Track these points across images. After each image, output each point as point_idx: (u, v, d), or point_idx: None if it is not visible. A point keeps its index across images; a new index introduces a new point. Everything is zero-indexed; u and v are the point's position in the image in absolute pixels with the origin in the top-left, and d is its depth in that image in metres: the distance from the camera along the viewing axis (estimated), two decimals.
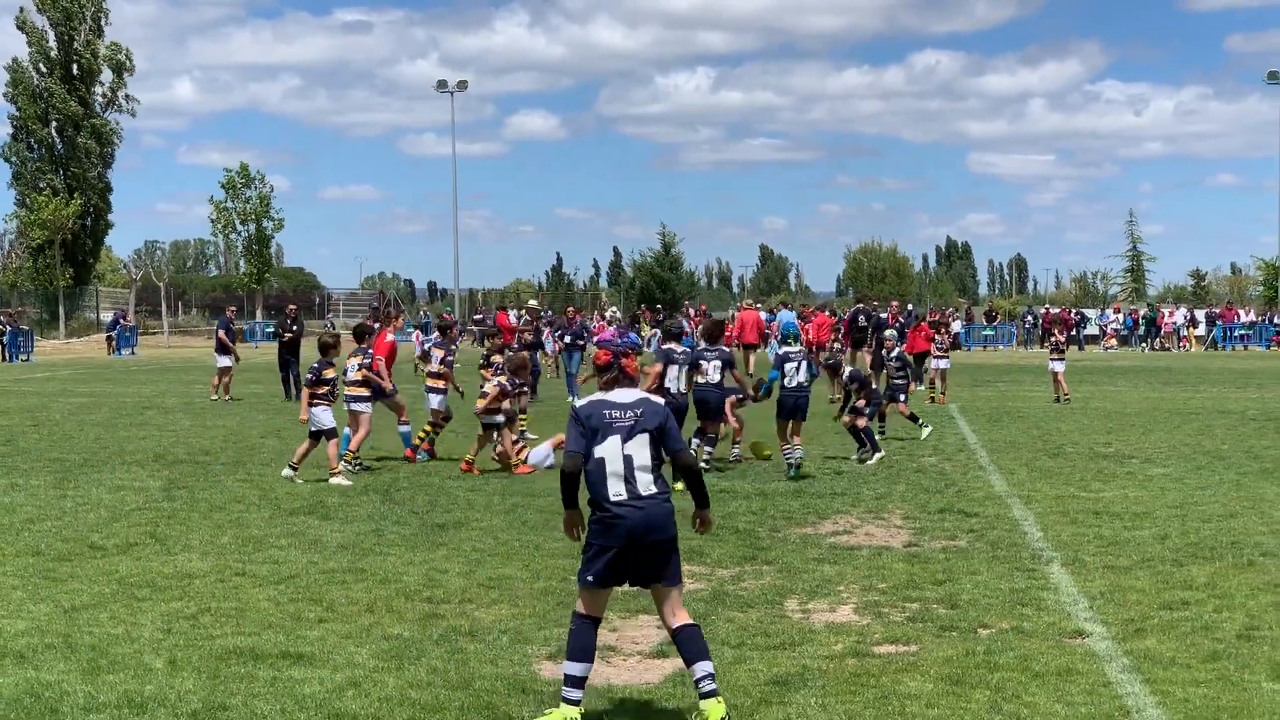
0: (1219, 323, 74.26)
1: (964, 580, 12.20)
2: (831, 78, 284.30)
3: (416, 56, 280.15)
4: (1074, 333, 70.29)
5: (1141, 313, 75.59)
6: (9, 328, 61.20)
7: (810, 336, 36.90)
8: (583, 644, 8.28)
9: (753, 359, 42.13)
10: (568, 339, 34.08)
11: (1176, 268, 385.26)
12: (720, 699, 8.12)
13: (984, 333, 75.40)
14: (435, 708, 8.46)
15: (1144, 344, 71.63)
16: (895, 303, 53.92)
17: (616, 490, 8.23)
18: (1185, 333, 72.66)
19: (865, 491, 17.74)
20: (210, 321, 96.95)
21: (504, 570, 12.69)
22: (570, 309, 45.20)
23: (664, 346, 19.45)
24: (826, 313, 46.85)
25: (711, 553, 13.54)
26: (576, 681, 8.23)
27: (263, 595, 11.61)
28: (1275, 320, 74.11)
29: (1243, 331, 73.43)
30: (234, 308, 41.96)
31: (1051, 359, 34.30)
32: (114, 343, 66.87)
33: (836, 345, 37.81)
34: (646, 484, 8.30)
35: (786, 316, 47.43)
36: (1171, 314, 75.24)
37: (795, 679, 9.10)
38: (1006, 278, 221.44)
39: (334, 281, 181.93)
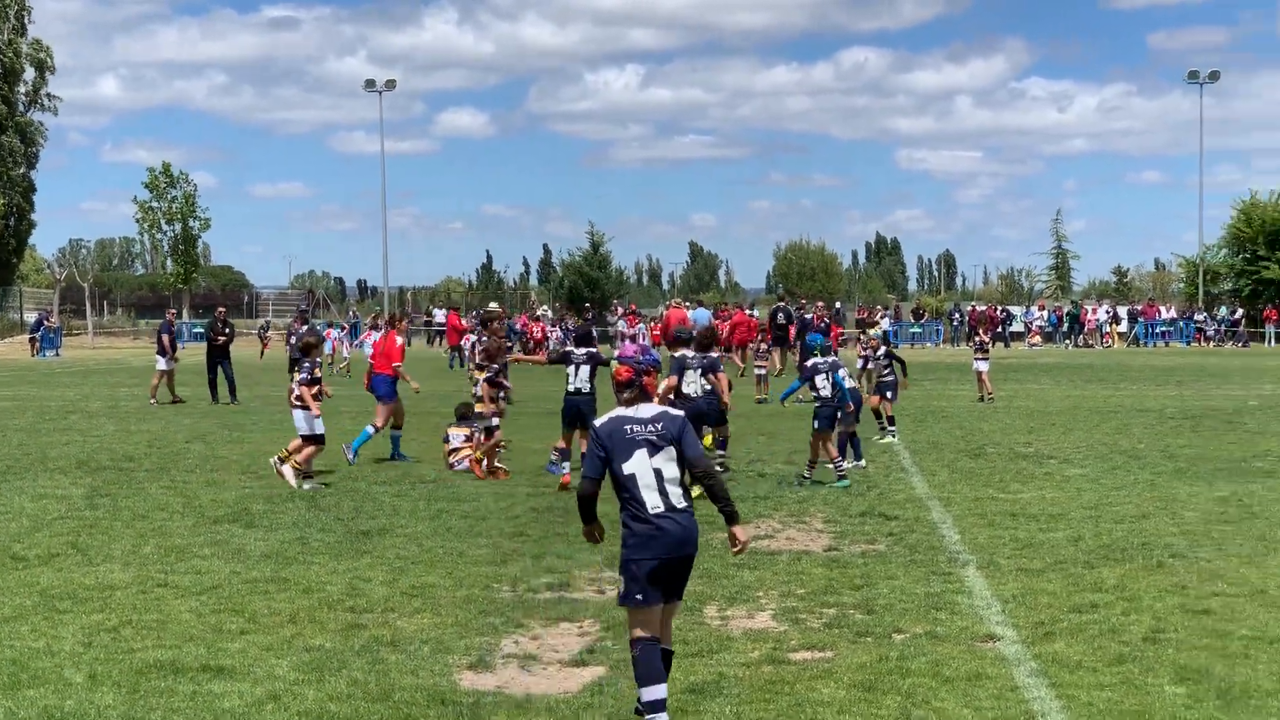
0: (1141, 319, 75.15)
1: (881, 585, 12.39)
2: (760, 75, 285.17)
3: (345, 53, 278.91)
4: (999, 330, 70.94)
5: (1065, 309, 76.33)
6: None
7: (724, 336, 37.14)
8: (652, 664, 8.19)
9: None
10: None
11: (1101, 264, 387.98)
12: None
13: (912, 330, 75.88)
14: None
15: (1068, 341, 72.34)
16: (820, 302, 54.40)
17: (654, 503, 8.24)
18: (1108, 329, 73.46)
19: (788, 495, 17.92)
20: (136, 322, 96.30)
21: (427, 578, 12.77)
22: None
23: (676, 354, 19.37)
24: (746, 311, 47.15)
25: None
26: (658, 704, 8.15)
27: (184, 607, 11.64)
28: (1196, 317, 75.03)
29: (1164, 328, 74.35)
30: (174, 310, 41.52)
31: (976, 358, 34.66)
32: (38, 344, 66.25)
33: (764, 346, 38.11)
34: (678, 497, 8.33)
35: (703, 315, 47.92)
36: (1095, 311, 76.05)
37: (711, 687, 9.24)
38: (935, 274, 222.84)
39: (263, 280, 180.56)
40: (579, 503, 8.53)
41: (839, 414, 19.31)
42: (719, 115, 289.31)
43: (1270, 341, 71.82)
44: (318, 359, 19.73)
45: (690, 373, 19.00)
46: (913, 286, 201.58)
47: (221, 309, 37.50)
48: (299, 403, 19.23)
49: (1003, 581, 12.48)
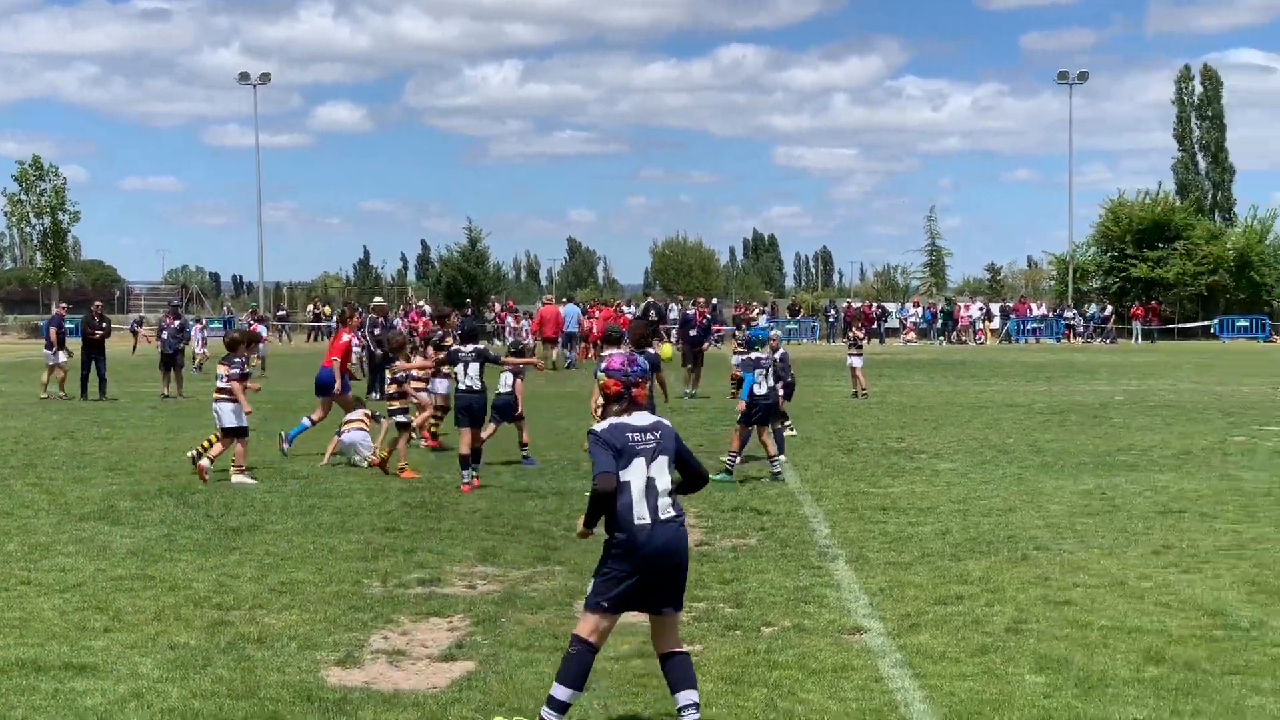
0: (1013, 316, 76.30)
1: (751, 579, 12.48)
2: (638, 71, 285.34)
3: (218, 45, 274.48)
4: (874, 326, 71.63)
5: (939, 306, 77.29)
6: None
7: (596, 333, 37.33)
8: (579, 669, 8.09)
9: (555, 353, 42.55)
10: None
11: (974, 261, 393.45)
12: None
13: (788, 327, 76.37)
14: (218, 718, 8.48)
15: (941, 338, 73.23)
16: (701, 299, 54.64)
17: (640, 514, 8.07)
18: (981, 326, 74.48)
19: None
20: (4, 317, 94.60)
21: (296, 574, 12.68)
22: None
23: (606, 354, 19.45)
24: (614, 309, 47.53)
25: (505, 553, 13.69)
26: (561, 706, 8.03)
27: (47, 605, 11.47)
28: (1066, 314, 76.26)
29: (1035, 325, 75.55)
30: (65, 305, 40.67)
31: (850, 354, 35.00)
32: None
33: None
34: (666, 507, 8.17)
35: (573, 311, 48.23)
36: (967, 308, 77.10)
37: None
38: (812, 271, 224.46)
39: (135, 275, 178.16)
40: (596, 501, 8.10)
41: (770, 411, 19.35)
42: (597, 111, 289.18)
43: (1137, 338, 73.18)
44: (247, 354, 19.54)
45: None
46: (790, 283, 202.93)
47: (98, 304, 36.99)
48: (226, 396, 18.93)
49: (871, 575, 12.62)
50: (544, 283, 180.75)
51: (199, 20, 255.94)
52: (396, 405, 19.92)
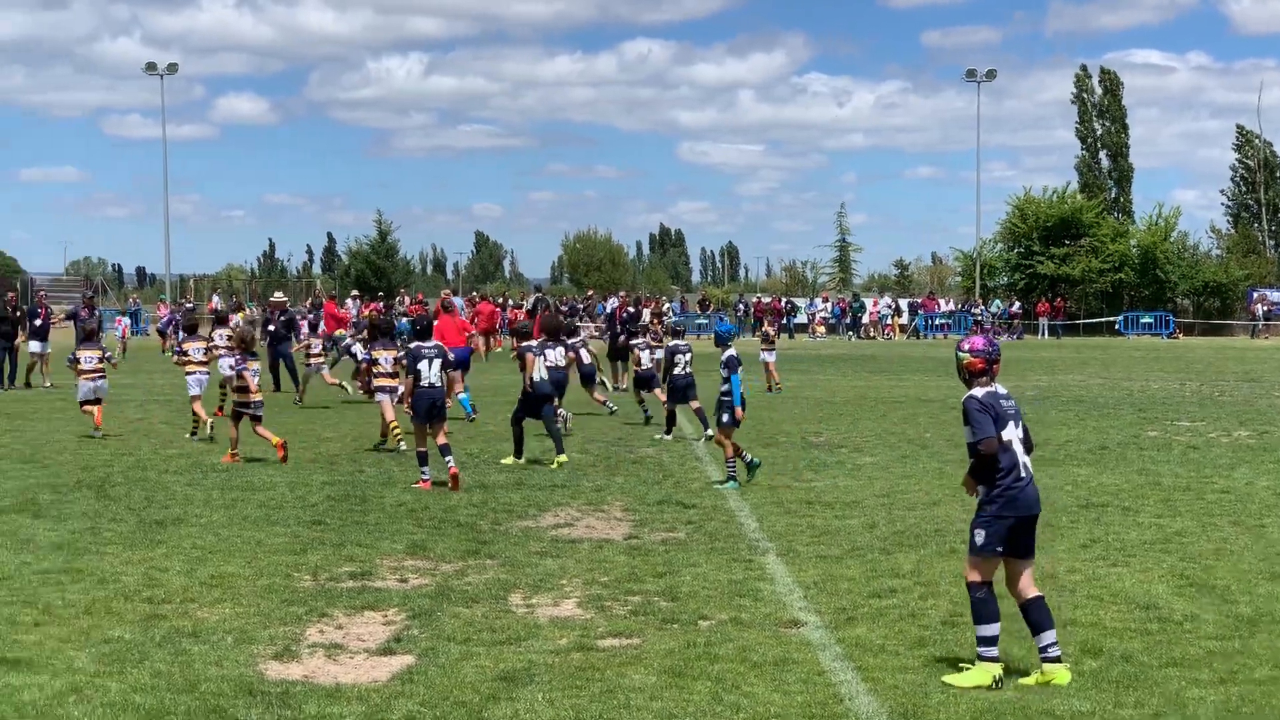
0: (921, 312, 76.92)
1: (684, 572, 12.50)
2: (544, 64, 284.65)
3: (119, 34, 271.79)
4: (784, 321, 71.99)
5: (849, 301, 77.80)
6: None
7: (478, 325, 37.92)
8: (995, 605, 9.12)
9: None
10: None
11: (879, 257, 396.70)
12: (1067, 666, 9.12)
13: (698, 321, 76.54)
14: (161, 712, 8.38)
15: (850, 333, 73.70)
16: (624, 292, 55.03)
17: (1022, 470, 9.29)
18: (890, 321, 75.04)
19: (584, 484, 17.99)
20: None
21: (226, 568, 12.56)
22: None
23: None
24: (494, 301, 48.46)
25: (435, 547, 13.63)
26: (994, 640, 9.05)
27: None
28: (973, 310, 76.95)
29: (943, 320, 76.19)
30: (12, 293, 39.79)
31: (762, 349, 35.15)
32: None
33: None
34: (1028, 463, 9.40)
35: (458, 302, 48.99)
36: (876, 303, 77.65)
37: (522, 674, 9.24)
38: (719, 265, 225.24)
39: (36, 266, 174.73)
40: (981, 462, 9.25)
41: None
42: (502, 105, 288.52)
43: (1043, 334, 74.04)
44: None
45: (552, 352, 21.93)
46: (696, 278, 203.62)
47: (11, 294, 36.51)
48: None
49: (803, 568, 12.68)
50: (450, 276, 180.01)
51: (98, 9, 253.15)
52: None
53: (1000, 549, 9.20)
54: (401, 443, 20.94)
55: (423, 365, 17.99)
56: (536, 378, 20.05)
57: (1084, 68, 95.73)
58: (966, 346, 9.66)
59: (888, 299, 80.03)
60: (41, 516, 15.19)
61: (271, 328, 33.49)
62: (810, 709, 8.54)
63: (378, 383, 21.80)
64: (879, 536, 14.22)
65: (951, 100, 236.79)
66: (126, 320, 49.43)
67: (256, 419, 19.92)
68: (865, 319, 74.86)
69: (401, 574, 12.44)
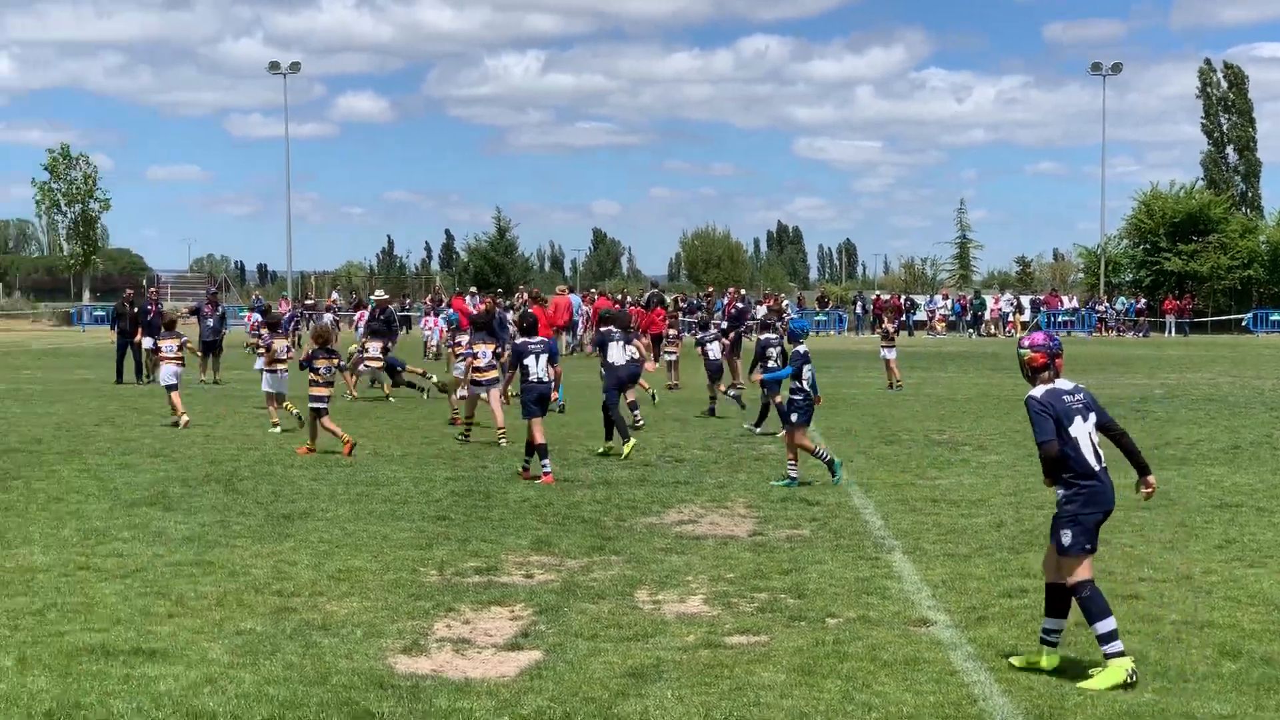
0: (1044, 309, 76.01)
1: (810, 569, 12.41)
2: (661, 62, 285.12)
3: (241, 35, 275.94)
4: (904, 319, 71.49)
5: (970, 299, 77.09)
6: None
7: (556, 320, 38.55)
8: (1102, 602, 9.14)
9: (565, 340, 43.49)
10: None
11: (999, 254, 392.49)
12: (1059, 654, 9.31)
13: (817, 318, 76.26)
14: (294, 704, 8.43)
15: (971, 330, 73.04)
16: (733, 289, 55.07)
17: (1094, 463, 9.28)
18: (1011, 319, 74.25)
19: (707, 480, 17.94)
20: (35, 305, 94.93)
21: (353, 562, 12.64)
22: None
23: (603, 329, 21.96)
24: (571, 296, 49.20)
25: (560, 542, 13.64)
26: (1114, 635, 9.03)
27: (109, 590, 11.45)
28: (1098, 307, 75.97)
29: (1066, 318, 75.27)
30: (130, 290, 40.18)
31: (883, 346, 34.90)
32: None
33: (674, 331, 38.07)
34: (1102, 456, 9.38)
35: (575, 300, 49.40)
36: (997, 300, 76.86)
37: (650, 671, 9.20)
38: (836, 263, 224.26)
39: (161, 263, 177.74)
40: (1050, 461, 9.37)
41: (812, 410, 18.31)
42: (619, 102, 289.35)
43: (1170, 332, 72.88)
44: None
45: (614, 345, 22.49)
46: (814, 275, 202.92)
47: (130, 290, 37.09)
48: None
49: (930, 566, 12.54)
50: (568, 273, 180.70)
51: (221, 10, 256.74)
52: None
53: (1089, 546, 9.20)
54: (502, 440, 21.07)
55: (529, 360, 18.32)
56: (615, 361, 22.02)
57: (1208, 61, 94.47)
58: (1027, 342, 9.74)
59: (1009, 296, 79.14)
60: (172, 510, 15.39)
61: (373, 325, 33.83)
62: (943, 709, 8.42)
63: (474, 377, 22.23)
64: (1007, 535, 14.03)
65: (1074, 94, 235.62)
66: (257, 316, 49.94)
67: (317, 412, 20.51)
68: (986, 316, 74.15)
69: (527, 569, 12.46)
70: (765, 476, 18.21)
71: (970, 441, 22.30)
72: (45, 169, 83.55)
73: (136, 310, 35.66)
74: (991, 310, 74.87)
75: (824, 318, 76.94)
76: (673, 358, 35.48)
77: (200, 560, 12.64)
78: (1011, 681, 8.97)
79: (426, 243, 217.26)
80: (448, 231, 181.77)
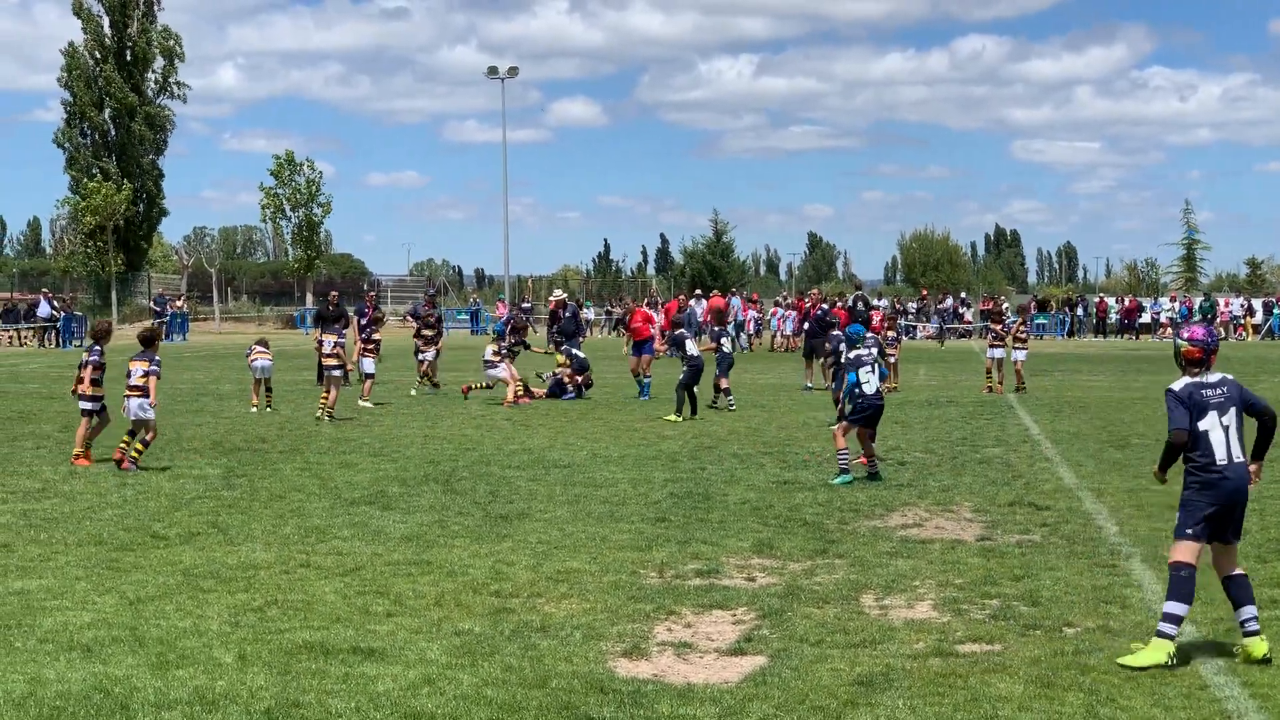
0: (1277, 311, 73.45)
1: (1043, 576, 11.91)
2: (874, 64, 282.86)
3: (456, 43, 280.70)
4: (1130, 321, 69.78)
5: (1198, 302, 74.87)
6: (62, 313, 61.47)
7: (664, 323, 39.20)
8: (1191, 586, 9.38)
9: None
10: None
11: (1225, 255, 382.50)
12: (1264, 639, 9.29)
13: (1038, 321, 74.70)
14: (513, 707, 8.23)
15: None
16: (815, 290, 57.31)
17: (1222, 456, 9.46)
18: (1242, 321, 71.91)
19: (931, 483, 17.45)
20: (260, 309, 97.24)
21: (571, 563, 12.46)
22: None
23: (716, 328, 23.13)
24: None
25: (781, 545, 13.31)
26: (1178, 620, 9.28)
27: (329, 588, 11.42)
28: None
29: None
30: (335, 292, 40.46)
31: (990, 346, 33.52)
32: (164, 329, 66.85)
33: (891, 334, 37.46)
34: (1238, 452, 9.56)
35: (735, 302, 49.96)
36: (1228, 303, 74.51)
37: (880, 679, 8.83)
38: (1055, 266, 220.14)
39: (381, 268, 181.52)
40: (1169, 451, 9.70)
41: (879, 412, 18.12)
42: (832, 105, 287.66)
43: None
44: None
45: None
46: (1032, 279, 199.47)
47: (334, 293, 37.50)
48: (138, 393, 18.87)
49: None
50: (783, 277, 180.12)
51: (437, 18, 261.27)
52: None
53: (1191, 531, 9.42)
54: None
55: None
56: (690, 352, 26.63)
57: None
58: (1186, 335, 9.91)
59: (1240, 299, 76.62)
60: (391, 509, 15.39)
61: (556, 325, 34.93)
62: None
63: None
64: (1252, 544, 13.31)
65: None
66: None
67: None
68: (1216, 319, 71.87)
69: (749, 572, 12.15)
70: (990, 480, 17.66)
71: None
72: (271, 174, 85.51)
73: (336, 312, 36.19)
74: (1221, 313, 72.55)
75: (1045, 320, 75.32)
76: (892, 359, 34.88)
77: (418, 560, 12.56)
78: (1266, 698, 8.41)
79: (643, 246, 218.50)
80: (663, 235, 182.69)
